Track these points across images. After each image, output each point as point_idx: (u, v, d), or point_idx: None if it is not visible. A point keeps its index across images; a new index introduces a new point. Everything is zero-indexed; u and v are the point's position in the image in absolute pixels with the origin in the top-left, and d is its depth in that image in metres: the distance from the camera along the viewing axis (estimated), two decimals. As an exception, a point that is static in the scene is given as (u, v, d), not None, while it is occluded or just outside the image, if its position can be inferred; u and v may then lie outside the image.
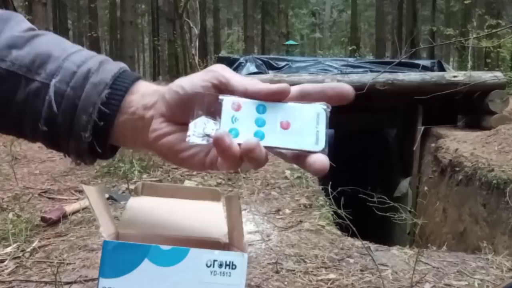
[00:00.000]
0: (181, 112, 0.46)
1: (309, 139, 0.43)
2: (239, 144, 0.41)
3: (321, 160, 0.43)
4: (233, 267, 0.42)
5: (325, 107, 0.44)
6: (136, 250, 0.41)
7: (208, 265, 0.41)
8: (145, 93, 0.49)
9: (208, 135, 0.42)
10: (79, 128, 0.48)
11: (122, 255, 0.41)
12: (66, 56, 0.50)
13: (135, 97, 0.49)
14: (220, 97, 0.43)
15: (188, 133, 0.43)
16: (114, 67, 0.50)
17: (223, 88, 0.45)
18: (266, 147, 0.42)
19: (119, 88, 0.48)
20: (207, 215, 0.59)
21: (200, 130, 0.42)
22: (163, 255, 0.41)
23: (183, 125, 0.45)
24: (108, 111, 0.48)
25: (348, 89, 0.45)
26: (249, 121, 0.42)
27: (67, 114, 0.48)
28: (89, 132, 0.48)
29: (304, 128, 0.43)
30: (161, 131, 0.47)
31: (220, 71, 0.45)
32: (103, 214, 0.48)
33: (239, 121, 0.42)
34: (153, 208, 0.59)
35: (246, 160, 0.42)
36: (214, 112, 0.43)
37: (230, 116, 0.42)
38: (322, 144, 0.43)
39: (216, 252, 0.42)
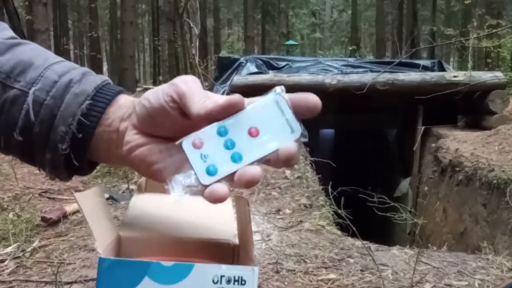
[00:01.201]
0: (149, 125, 0.45)
1: (284, 131, 0.39)
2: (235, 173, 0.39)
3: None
4: (243, 282, 0.38)
5: (279, 91, 0.40)
6: (135, 267, 0.38)
7: (215, 281, 0.38)
8: (122, 105, 0.47)
9: (189, 186, 0.39)
10: (56, 139, 0.46)
11: (120, 273, 0.38)
12: (48, 66, 0.49)
13: (113, 109, 0.47)
14: (177, 143, 0.40)
15: (171, 196, 0.40)
16: (97, 79, 0.49)
17: (180, 105, 0.43)
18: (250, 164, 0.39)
19: (101, 100, 0.47)
20: (215, 213, 0.55)
21: (179, 189, 0.40)
22: (165, 272, 0.38)
23: (155, 137, 0.45)
24: (88, 122, 0.46)
25: (314, 100, 0.41)
26: (219, 149, 0.39)
27: (45, 124, 0.46)
28: (67, 143, 0.46)
29: (273, 124, 0.39)
30: (134, 143, 0.45)
31: (179, 87, 0.42)
32: (99, 223, 0.46)
33: (210, 156, 0.39)
34: (157, 207, 0.56)
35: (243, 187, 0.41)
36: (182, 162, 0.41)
37: (198, 157, 0.39)
38: (298, 128, 0.39)
39: (223, 267, 0.38)
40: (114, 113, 0.47)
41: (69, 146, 0.46)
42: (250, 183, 0.39)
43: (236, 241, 0.49)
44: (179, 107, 0.43)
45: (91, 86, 0.47)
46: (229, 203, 0.58)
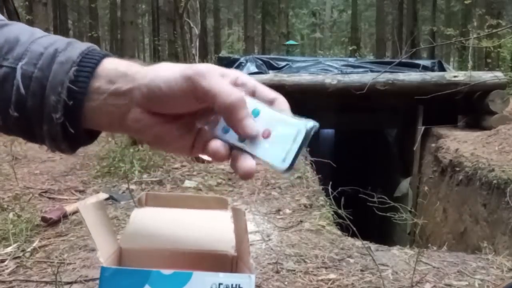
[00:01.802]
0: (158, 107, 0.46)
1: (278, 155, 0.41)
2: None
3: (247, 164, 0.42)
4: None
5: (311, 124, 0.41)
6: (136, 276, 0.39)
7: None
8: (114, 77, 0.47)
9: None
10: (49, 110, 0.46)
11: (121, 281, 0.39)
12: (34, 40, 0.49)
13: (103, 82, 0.47)
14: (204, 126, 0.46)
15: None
16: (82, 45, 0.49)
17: (200, 99, 0.44)
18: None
19: (87, 64, 0.47)
20: (214, 226, 0.56)
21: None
22: (164, 280, 0.38)
23: (162, 116, 0.46)
24: (77, 88, 0.46)
25: None
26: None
27: (36, 96, 0.46)
28: (60, 112, 0.46)
29: (279, 142, 0.41)
30: (144, 122, 0.46)
31: (200, 81, 0.44)
32: (101, 234, 0.46)
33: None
34: (157, 220, 0.57)
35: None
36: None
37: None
38: (287, 163, 0.40)
39: (221, 275, 0.39)
40: (106, 87, 0.47)
41: (63, 115, 0.46)
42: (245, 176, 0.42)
43: (234, 252, 0.50)
44: (197, 99, 0.44)
45: (76, 52, 0.47)
46: (226, 215, 0.59)
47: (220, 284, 0.39)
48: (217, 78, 0.44)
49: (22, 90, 0.46)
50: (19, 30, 0.51)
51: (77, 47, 0.48)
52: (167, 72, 0.46)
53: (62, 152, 0.51)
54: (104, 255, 0.43)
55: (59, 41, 0.49)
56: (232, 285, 0.39)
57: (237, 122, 0.43)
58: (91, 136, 0.51)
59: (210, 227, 0.56)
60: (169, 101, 0.45)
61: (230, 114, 0.43)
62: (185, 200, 0.60)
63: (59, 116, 0.46)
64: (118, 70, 0.48)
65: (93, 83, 0.47)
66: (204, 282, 0.39)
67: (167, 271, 0.39)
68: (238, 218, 0.48)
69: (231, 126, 0.43)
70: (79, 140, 0.50)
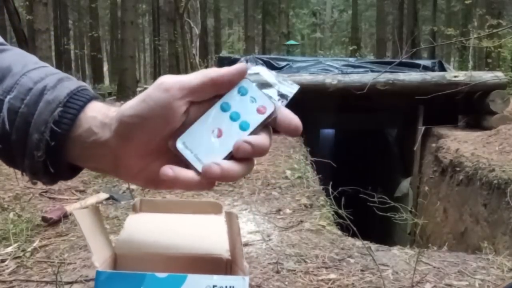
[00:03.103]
0: (136, 134, 0.45)
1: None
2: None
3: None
4: None
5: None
6: (131, 280, 0.39)
7: None
8: (94, 126, 0.46)
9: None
10: (32, 147, 0.46)
11: (117, 285, 0.39)
12: (25, 72, 0.48)
13: (83, 130, 0.46)
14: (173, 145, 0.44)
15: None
16: (71, 84, 0.48)
17: (198, 91, 0.45)
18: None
19: (73, 106, 0.46)
20: (208, 230, 0.56)
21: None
22: (159, 283, 0.39)
23: (150, 153, 0.46)
24: (59, 130, 0.46)
25: (296, 125, 0.47)
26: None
27: (20, 132, 0.46)
28: (42, 151, 0.46)
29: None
30: (136, 169, 0.46)
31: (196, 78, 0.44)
32: (96, 239, 0.46)
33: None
34: (151, 226, 0.57)
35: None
36: None
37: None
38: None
39: (215, 277, 0.39)
40: (84, 125, 0.46)
41: (44, 153, 0.46)
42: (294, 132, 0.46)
43: (229, 256, 0.50)
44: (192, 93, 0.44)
45: (64, 92, 0.47)
46: (220, 219, 0.59)
47: (214, 286, 0.39)
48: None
49: (7, 126, 0.46)
50: (13, 59, 0.50)
51: (66, 86, 0.48)
52: (133, 101, 0.45)
53: (43, 184, 0.51)
54: (100, 259, 0.44)
55: (50, 76, 0.49)
56: (226, 286, 0.39)
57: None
58: (74, 170, 0.51)
59: (204, 231, 0.56)
60: (142, 122, 0.44)
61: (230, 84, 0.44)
62: (179, 206, 0.60)
63: (40, 154, 0.46)
64: (97, 119, 0.47)
65: (75, 129, 0.46)
66: (198, 284, 0.39)
67: (161, 274, 0.39)
68: (231, 222, 0.49)
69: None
70: (60, 176, 0.50)
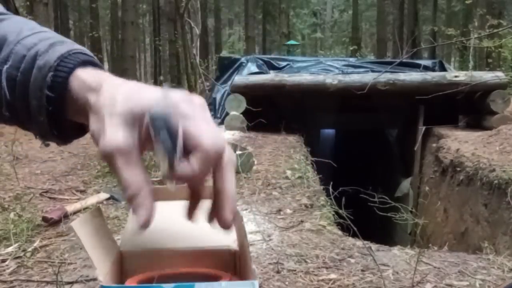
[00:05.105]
0: None
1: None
2: None
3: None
4: None
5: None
6: None
7: None
8: (83, 89, 0.46)
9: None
10: (34, 113, 0.47)
11: None
12: (19, 40, 0.48)
13: (75, 93, 0.46)
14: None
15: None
16: (63, 48, 0.48)
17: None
18: None
19: (63, 69, 0.46)
20: None
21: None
22: None
23: None
24: (53, 94, 0.46)
25: (224, 220, 0.42)
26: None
27: (22, 100, 0.47)
28: (43, 115, 0.47)
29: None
30: None
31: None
32: (98, 248, 0.45)
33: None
34: (156, 218, 0.56)
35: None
36: None
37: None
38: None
39: (223, 283, 0.38)
40: (80, 83, 0.46)
41: (46, 117, 0.47)
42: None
43: (236, 246, 0.49)
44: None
45: (54, 56, 0.47)
46: None
47: None
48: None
49: (7, 95, 0.47)
50: (8, 28, 0.50)
51: (57, 50, 0.47)
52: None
53: (58, 145, 0.51)
54: (102, 271, 0.42)
55: (43, 41, 0.48)
56: None
57: None
58: (81, 128, 0.51)
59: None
60: None
61: None
62: (183, 192, 0.59)
63: (42, 119, 0.47)
64: (86, 83, 0.46)
65: (68, 91, 0.46)
66: None
67: (168, 286, 0.38)
68: (237, 223, 0.47)
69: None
70: (69, 135, 0.50)
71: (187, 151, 0.38)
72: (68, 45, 0.49)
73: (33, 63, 0.47)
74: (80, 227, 0.45)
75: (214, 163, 0.39)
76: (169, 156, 0.37)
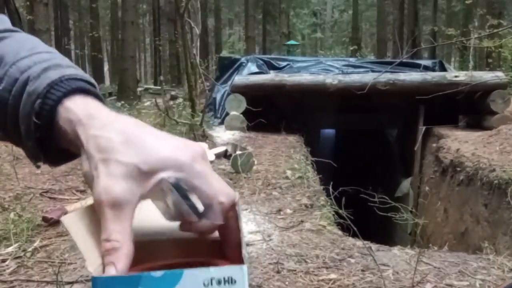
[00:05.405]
0: None
1: None
2: None
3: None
4: (233, 282, 0.39)
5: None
6: (128, 282, 0.38)
7: (206, 284, 0.38)
8: (69, 122, 0.44)
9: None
10: (24, 137, 0.46)
11: None
12: (15, 62, 0.48)
13: (62, 124, 0.44)
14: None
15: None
16: (54, 74, 0.46)
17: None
18: None
19: (51, 97, 0.45)
20: None
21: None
22: (156, 282, 0.38)
23: None
24: (40, 122, 0.45)
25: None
26: None
27: (12, 123, 0.46)
28: (32, 141, 0.46)
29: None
30: None
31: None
32: (89, 241, 0.45)
33: None
34: (146, 210, 0.57)
35: None
36: None
37: None
38: None
39: (212, 269, 0.38)
40: (68, 113, 0.45)
41: (34, 142, 0.46)
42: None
43: None
44: None
45: (44, 83, 0.46)
46: None
47: (212, 278, 0.38)
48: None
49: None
50: (8, 47, 0.50)
51: (48, 77, 0.46)
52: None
53: (50, 167, 0.51)
54: (93, 264, 0.43)
55: (38, 65, 0.47)
56: (224, 278, 0.38)
57: None
58: (71, 154, 0.49)
59: None
60: None
61: None
62: None
63: (31, 144, 0.46)
64: (76, 114, 0.44)
65: (56, 120, 0.45)
66: (196, 278, 0.38)
67: (157, 273, 0.38)
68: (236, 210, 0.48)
69: None
70: (59, 160, 0.49)
71: (200, 206, 0.41)
72: (62, 70, 0.48)
73: (24, 87, 0.46)
74: (70, 222, 0.45)
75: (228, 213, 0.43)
76: (186, 214, 0.42)
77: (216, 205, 0.41)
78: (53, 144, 0.47)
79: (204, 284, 0.38)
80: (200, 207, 0.41)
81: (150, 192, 0.41)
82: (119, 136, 0.41)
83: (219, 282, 0.38)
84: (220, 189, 0.41)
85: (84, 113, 0.44)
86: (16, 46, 0.50)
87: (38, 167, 0.51)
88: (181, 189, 0.41)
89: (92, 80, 0.49)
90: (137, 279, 0.38)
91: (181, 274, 0.38)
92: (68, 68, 0.48)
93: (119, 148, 0.40)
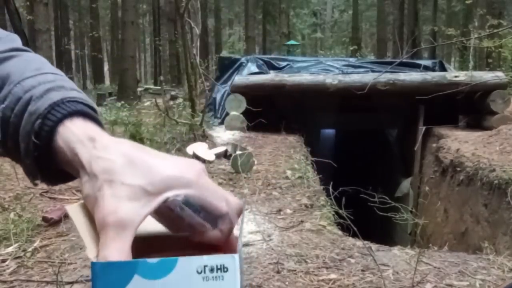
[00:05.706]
0: None
1: None
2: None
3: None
4: (225, 269, 0.40)
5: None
6: (125, 267, 0.40)
7: (199, 271, 0.40)
8: (69, 143, 0.45)
9: None
10: (23, 155, 0.47)
11: (112, 274, 0.40)
12: (20, 81, 0.49)
13: (60, 145, 0.45)
14: None
15: None
16: (56, 96, 0.47)
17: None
18: None
19: (52, 118, 0.45)
20: None
21: None
22: (152, 268, 0.40)
23: None
24: (39, 142, 0.46)
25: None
26: None
27: (13, 140, 0.47)
28: (30, 159, 0.47)
29: None
30: None
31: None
32: (91, 231, 0.46)
33: None
34: None
35: None
36: None
37: None
38: None
39: (205, 257, 0.40)
40: (69, 135, 0.45)
41: (33, 161, 0.47)
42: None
43: (237, 230, 0.50)
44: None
45: (45, 104, 0.46)
46: None
47: (205, 266, 0.40)
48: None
49: (0, 134, 0.48)
50: (14, 67, 0.51)
51: (50, 98, 0.47)
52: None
53: (47, 186, 0.52)
54: (93, 251, 0.44)
55: (42, 85, 0.48)
56: (217, 265, 0.40)
57: None
58: (69, 175, 0.49)
59: None
60: None
61: None
62: None
63: (29, 162, 0.47)
64: (76, 135, 0.45)
65: (56, 141, 0.45)
66: (190, 265, 0.40)
67: (153, 260, 0.40)
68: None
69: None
70: (57, 179, 0.50)
71: (210, 218, 0.44)
72: (65, 92, 0.48)
73: (26, 107, 0.47)
74: (77, 211, 0.47)
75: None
76: (200, 226, 0.44)
77: (226, 215, 0.43)
78: (51, 164, 0.47)
79: (197, 271, 0.40)
80: (213, 219, 0.44)
81: (155, 212, 0.42)
82: (122, 158, 0.41)
83: (211, 270, 0.40)
84: (227, 200, 0.43)
85: (84, 135, 0.45)
86: (23, 66, 0.51)
87: (35, 184, 0.52)
88: (192, 205, 0.43)
89: (94, 105, 0.50)
90: (133, 265, 0.40)
91: (176, 261, 0.40)
92: (71, 90, 0.49)
93: (123, 170, 0.41)
